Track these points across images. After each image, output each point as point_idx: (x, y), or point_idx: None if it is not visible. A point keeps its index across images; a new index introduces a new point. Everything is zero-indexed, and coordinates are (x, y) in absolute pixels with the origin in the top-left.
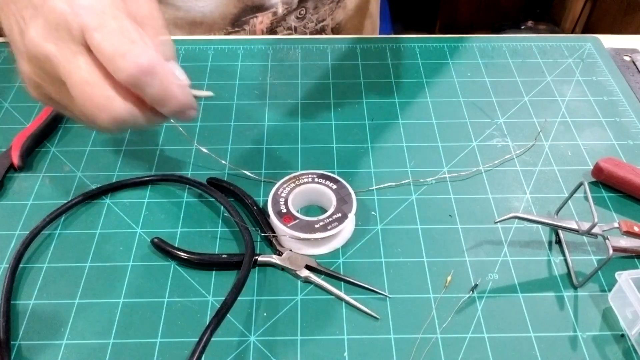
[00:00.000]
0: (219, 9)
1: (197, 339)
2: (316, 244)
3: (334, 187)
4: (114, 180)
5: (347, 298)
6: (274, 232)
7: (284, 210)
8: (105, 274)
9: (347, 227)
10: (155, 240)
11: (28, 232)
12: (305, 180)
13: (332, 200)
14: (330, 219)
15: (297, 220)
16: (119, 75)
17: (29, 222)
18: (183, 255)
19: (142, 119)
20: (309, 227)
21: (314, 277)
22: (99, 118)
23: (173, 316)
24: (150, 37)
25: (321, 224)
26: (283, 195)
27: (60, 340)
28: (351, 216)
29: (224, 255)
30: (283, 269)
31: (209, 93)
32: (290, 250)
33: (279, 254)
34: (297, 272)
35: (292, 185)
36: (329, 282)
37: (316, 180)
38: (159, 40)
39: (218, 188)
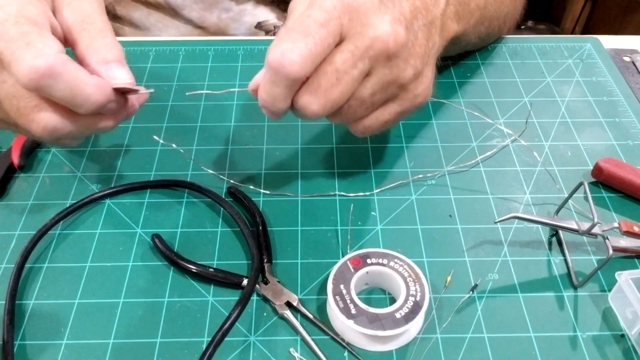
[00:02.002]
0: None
1: (196, 339)
2: (381, 340)
3: (402, 269)
4: (113, 181)
5: (312, 344)
6: (270, 255)
7: (347, 299)
8: (105, 274)
9: (417, 323)
10: (155, 238)
11: (35, 231)
12: (373, 261)
13: (401, 288)
14: (399, 312)
15: (359, 312)
16: (20, 81)
17: (29, 222)
18: (181, 262)
19: (76, 126)
20: (373, 321)
21: (290, 316)
22: (32, 129)
23: (173, 316)
24: (91, 39)
25: (389, 318)
26: (347, 276)
27: (60, 340)
28: (424, 309)
29: (221, 275)
30: (265, 299)
31: (147, 90)
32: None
33: (266, 282)
34: (276, 307)
35: (357, 267)
36: (305, 324)
37: (383, 262)
38: (99, 43)
39: (232, 196)
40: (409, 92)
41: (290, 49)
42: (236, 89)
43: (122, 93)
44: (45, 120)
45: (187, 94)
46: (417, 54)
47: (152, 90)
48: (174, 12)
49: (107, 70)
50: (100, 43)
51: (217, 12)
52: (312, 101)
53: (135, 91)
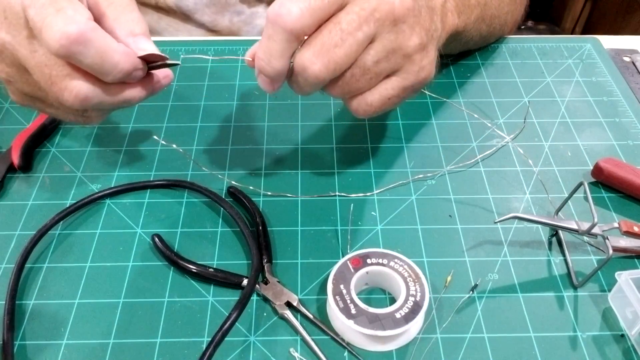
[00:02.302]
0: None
1: (196, 339)
2: (381, 340)
3: (402, 269)
4: (113, 181)
5: (312, 344)
6: (270, 255)
7: (347, 299)
8: (105, 274)
9: (417, 323)
10: (155, 238)
11: (35, 231)
12: (373, 261)
13: (401, 288)
14: (399, 312)
15: (359, 312)
16: (50, 47)
17: (29, 222)
18: (181, 262)
19: (105, 96)
20: (373, 321)
21: (290, 316)
22: (64, 98)
23: (173, 316)
24: (118, 13)
25: (389, 318)
26: (347, 276)
27: (60, 340)
28: (424, 309)
29: (221, 275)
30: (265, 299)
31: (175, 61)
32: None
33: (266, 282)
34: (276, 307)
35: (357, 267)
36: (305, 324)
37: (383, 262)
38: (127, 16)
39: (232, 196)
40: (413, 63)
41: (289, 0)
42: (238, 57)
43: (149, 66)
44: (77, 88)
45: (182, 56)
46: (422, 25)
47: (179, 62)
48: (185, 17)
49: (135, 42)
50: (128, 17)
51: (228, 15)
52: (315, 60)
53: (162, 59)
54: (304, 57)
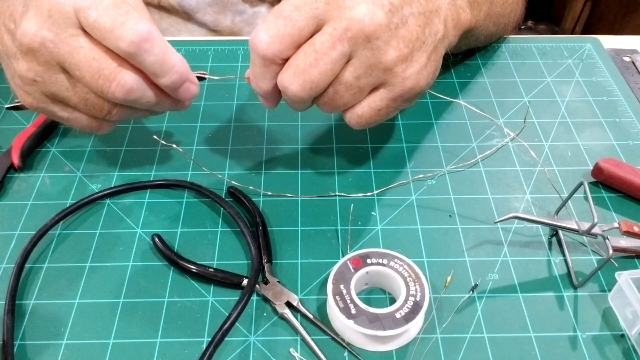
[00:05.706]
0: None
1: (196, 339)
2: (381, 340)
3: (402, 269)
4: (113, 181)
5: (312, 344)
6: (270, 255)
7: (347, 299)
8: (105, 274)
9: (417, 323)
10: (155, 237)
11: (35, 231)
12: (373, 261)
13: (401, 288)
14: (399, 312)
15: (359, 312)
16: (120, 44)
17: (29, 222)
18: (181, 262)
19: (150, 94)
20: (373, 321)
21: (290, 316)
22: (110, 89)
23: (173, 316)
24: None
25: (389, 318)
26: (347, 276)
27: (60, 340)
28: (424, 309)
29: (221, 275)
30: (265, 299)
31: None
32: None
33: (266, 282)
34: (276, 307)
35: (357, 266)
36: (305, 324)
37: (383, 262)
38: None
39: (232, 196)
40: (396, 75)
41: (262, 29)
42: (241, 77)
43: None
44: (125, 79)
45: (207, 77)
46: (402, 37)
47: (205, 72)
48: (187, 16)
49: None
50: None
51: (230, 15)
52: (292, 80)
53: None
54: (283, 77)
